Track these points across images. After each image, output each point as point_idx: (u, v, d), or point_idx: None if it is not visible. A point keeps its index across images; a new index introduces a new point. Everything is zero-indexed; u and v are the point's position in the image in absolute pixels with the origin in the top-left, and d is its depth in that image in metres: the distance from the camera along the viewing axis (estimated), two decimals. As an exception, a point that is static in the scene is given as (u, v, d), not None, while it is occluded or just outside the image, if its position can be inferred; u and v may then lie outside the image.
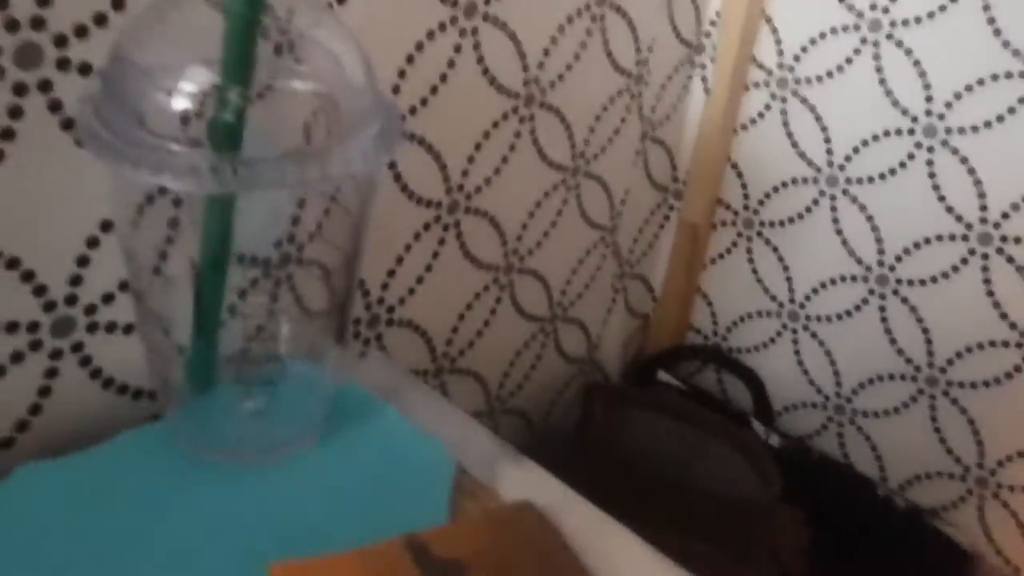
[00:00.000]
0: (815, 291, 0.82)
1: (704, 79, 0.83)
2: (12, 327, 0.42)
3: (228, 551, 0.39)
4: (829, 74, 0.78)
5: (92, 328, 0.45)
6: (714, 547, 0.59)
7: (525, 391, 0.77)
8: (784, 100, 0.81)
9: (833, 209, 0.79)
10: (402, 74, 0.55)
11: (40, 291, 0.43)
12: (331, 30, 0.40)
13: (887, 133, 0.75)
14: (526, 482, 0.47)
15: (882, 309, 0.78)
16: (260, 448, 0.44)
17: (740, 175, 0.85)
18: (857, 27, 0.75)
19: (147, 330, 0.43)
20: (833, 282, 0.80)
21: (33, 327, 0.43)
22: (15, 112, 0.39)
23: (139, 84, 0.35)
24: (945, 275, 0.74)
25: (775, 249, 0.84)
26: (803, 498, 0.73)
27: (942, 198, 0.73)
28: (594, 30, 0.69)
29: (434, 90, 0.58)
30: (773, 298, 0.85)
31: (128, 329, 0.47)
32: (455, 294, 0.67)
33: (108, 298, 0.45)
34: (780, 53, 0.80)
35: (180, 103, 0.35)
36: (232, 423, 0.45)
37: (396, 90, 0.56)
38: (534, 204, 0.71)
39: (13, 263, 0.41)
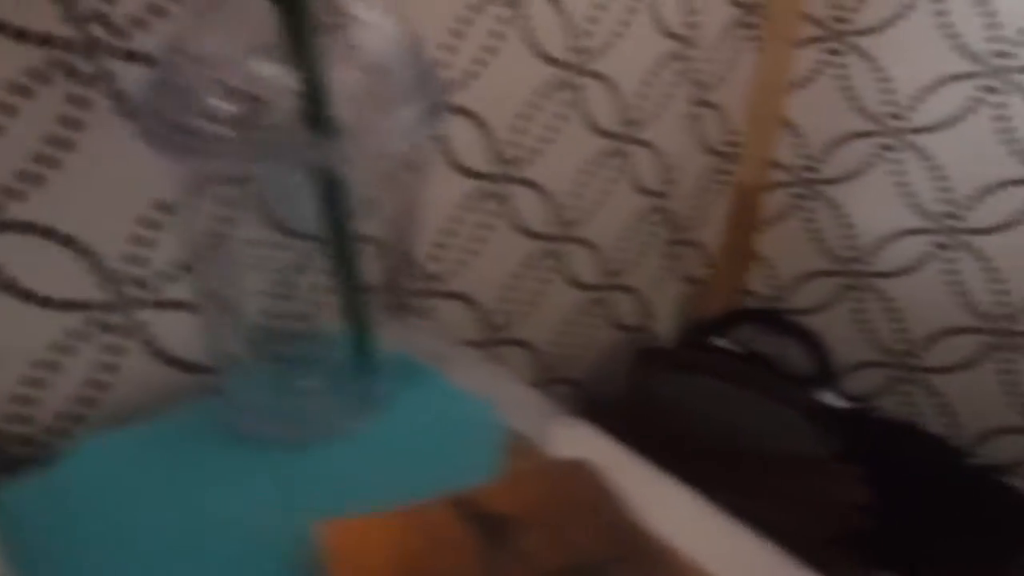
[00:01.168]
0: (877, 246, 0.80)
1: (755, 38, 0.82)
2: (83, 306, 0.44)
3: (283, 515, 0.40)
4: (887, 23, 0.75)
5: (155, 306, 0.47)
6: (768, 504, 0.58)
7: (577, 360, 0.78)
8: (839, 53, 0.79)
9: (896, 162, 0.77)
10: (451, 48, 0.56)
11: (106, 272, 0.45)
12: (377, 8, 0.40)
13: (954, 78, 0.72)
14: (578, 442, 0.48)
15: (950, 261, 0.75)
16: (314, 425, 0.45)
17: (796, 133, 0.83)
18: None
19: (205, 308, 0.44)
20: (896, 236, 0.78)
21: (95, 306, 0.45)
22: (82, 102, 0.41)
23: (195, 72, 0.36)
24: (1019, 221, 0.71)
25: (834, 206, 0.82)
26: (870, 459, 0.72)
27: (1012, 141, 0.70)
28: (639, -6, 0.68)
29: (482, 62, 0.58)
30: (833, 256, 0.83)
31: (187, 306, 0.48)
32: (505, 264, 0.68)
33: (170, 277, 0.47)
34: (834, 6, 0.78)
35: (236, 91, 0.35)
36: (287, 400, 0.46)
37: (445, 64, 0.56)
38: (584, 172, 0.71)
39: (78, 245, 0.43)
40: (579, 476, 0.44)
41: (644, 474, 0.46)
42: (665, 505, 0.44)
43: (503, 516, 0.41)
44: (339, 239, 0.38)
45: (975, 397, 0.76)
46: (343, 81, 0.41)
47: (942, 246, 0.76)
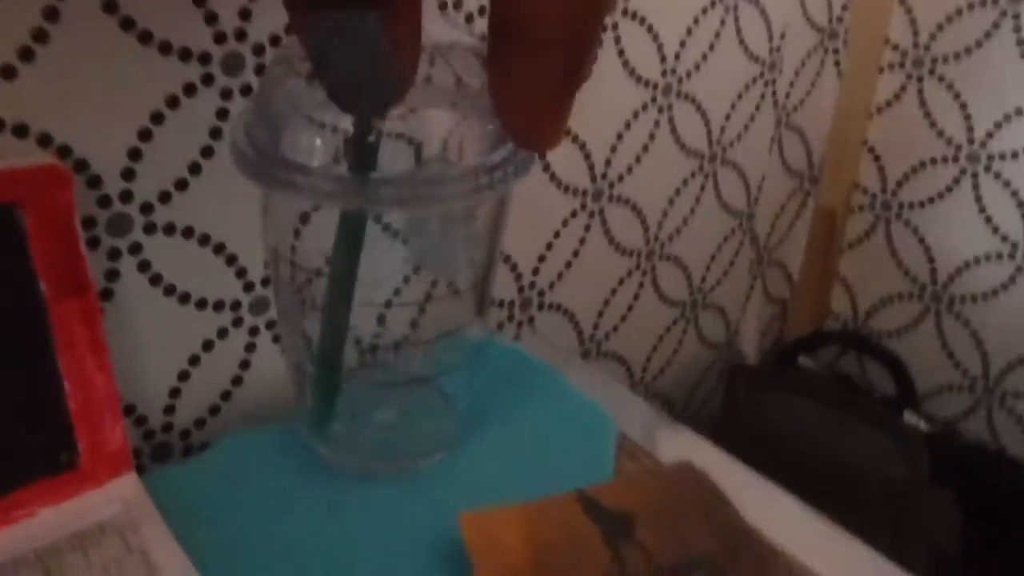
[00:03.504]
0: (958, 271, 0.81)
1: (837, 63, 0.84)
2: (219, 305, 0.48)
3: (422, 515, 0.42)
4: (967, 50, 0.77)
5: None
6: (862, 525, 0.59)
7: (667, 375, 0.80)
8: (920, 80, 0.80)
9: (975, 187, 0.78)
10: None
11: (241, 273, 0.48)
12: (467, 51, 0.37)
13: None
14: (683, 446, 0.50)
15: (1032, 286, 0.77)
16: (391, 460, 0.45)
17: (877, 158, 0.85)
18: (995, 0, 0.74)
19: (287, 340, 0.44)
20: (977, 261, 0.79)
21: (235, 306, 0.48)
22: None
23: (285, 107, 0.35)
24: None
25: (915, 230, 0.83)
26: (953, 482, 0.72)
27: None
28: (727, 20, 0.70)
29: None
30: (914, 280, 0.84)
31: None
32: (601, 279, 0.70)
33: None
34: (915, 33, 0.80)
35: (322, 129, 0.36)
36: (365, 435, 0.45)
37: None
38: (673, 191, 0.73)
39: (219, 247, 0.46)
40: (688, 478, 0.46)
41: (747, 477, 0.48)
42: (770, 509, 0.46)
43: (623, 512, 0.43)
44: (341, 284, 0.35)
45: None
46: (432, 124, 0.42)
47: (1022, 270, 0.77)
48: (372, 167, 0.32)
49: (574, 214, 0.65)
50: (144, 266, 0.44)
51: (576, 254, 0.67)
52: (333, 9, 0.22)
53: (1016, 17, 0.73)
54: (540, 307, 0.66)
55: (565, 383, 0.51)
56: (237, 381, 0.50)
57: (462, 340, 0.44)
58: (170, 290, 0.45)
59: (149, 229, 0.43)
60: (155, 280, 0.44)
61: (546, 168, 0.62)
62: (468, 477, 0.45)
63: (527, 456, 0.47)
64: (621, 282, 0.72)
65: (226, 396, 0.50)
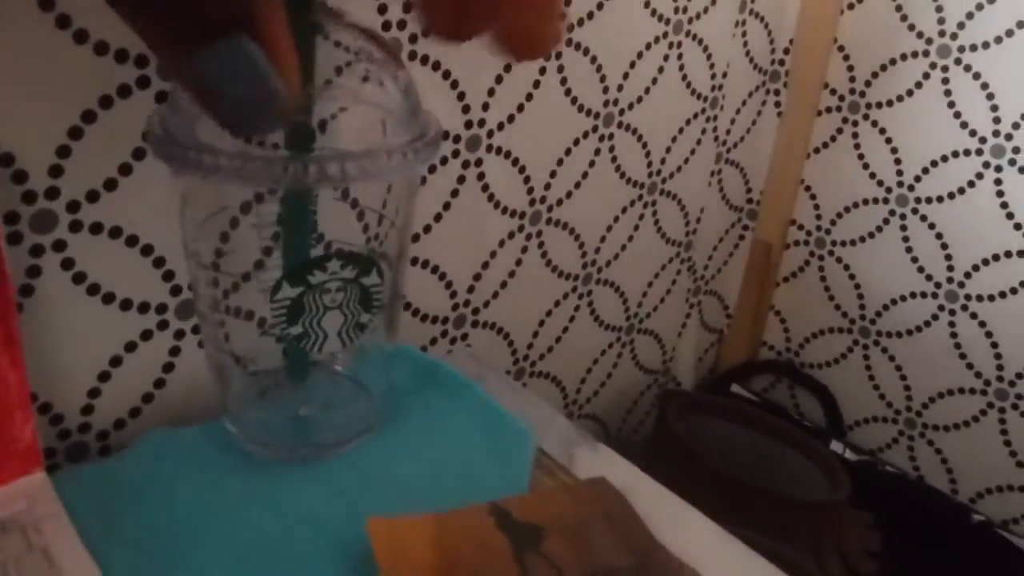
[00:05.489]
0: (886, 307, 0.83)
1: (777, 103, 0.86)
2: (144, 307, 0.48)
3: (331, 517, 0.43)
4: (900, 98, 0.80)
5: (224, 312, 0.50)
6: (782, 543, 0.61)
7: (601, 397, 0.81)
8: (855, 124, 0.83)
9: (903, 228, 0.81)
10: (491, 92, 0.60)
11: (168, 276, 0.48)
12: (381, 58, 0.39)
13: (956, 154, 0.77)
14: (601, 464, 0.51)
15: (952, 324, 0.79)
16: (314, 448, 0.46)
17: (813, 196, 0.87)
18: (926, 53, 0.77)
19: (207, 335, 0.45)
20: (903, 299, 0.82)
21: (161, 308, 0.48)
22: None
23: None
24: (1014, 290, 0.75)
25: (846, 267, 0.86)
26: (875, 510, 0.74)
27: (1011, 215, 0.74)
28: (671, 56, 0.73)
29: (520, 108, 0.63)
30: (844, 314, 0.86)
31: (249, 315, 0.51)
32: (536, 300, 0.71)
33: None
34: (852, 79, 0.83)
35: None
36: (287, 427, 0.47)
37: (485, 107, 0.60)
38: (612, 218, 0.74)
39: (147, 249, 0.47)
40: (601, 493, 0.47)
41: (662, 496, 0.49)
42: (681, 527, 0.47)
43: (533, 525, 0.44)
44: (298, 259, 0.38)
45: (975, 455, 0.79)
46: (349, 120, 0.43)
47: (945, 309, 0.80)
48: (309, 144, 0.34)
49: (512, 235, 0.66)
50: (68, 263, 0.44)
51: (512, 274, 0.68)
52: (203, 46, 0.22)
53: (945, 69, 0.76)
54: (474, 324, 0.67)
55: (487, 397, 0.52)
56: (159, 384, 0.50)
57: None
58: (94, 289, 0.45)
59: (75, 227, 0.43)
60: (79, 278, 0.44)
61: (485, 188, 0.63)
62: (384, 477, 0.45)
63: (444, 463, 0.47)
64: (557, 304, 0.73)
65: (148, 398, 0.50)
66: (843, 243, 0.86)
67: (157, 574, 0.38)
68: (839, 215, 0.86)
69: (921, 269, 0.81)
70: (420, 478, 0.46)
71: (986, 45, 0.74)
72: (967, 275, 0.78)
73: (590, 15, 0.64)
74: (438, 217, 0.60)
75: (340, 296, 0.42)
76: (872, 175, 0.83)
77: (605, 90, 0.68)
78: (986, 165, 0.75)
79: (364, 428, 0.47)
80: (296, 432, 0.46)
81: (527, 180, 0.66)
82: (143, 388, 0.49)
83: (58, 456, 0.47)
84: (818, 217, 0.87)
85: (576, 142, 0.68)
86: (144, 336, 0.48)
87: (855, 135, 0.83)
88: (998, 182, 0.75)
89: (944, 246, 0.79)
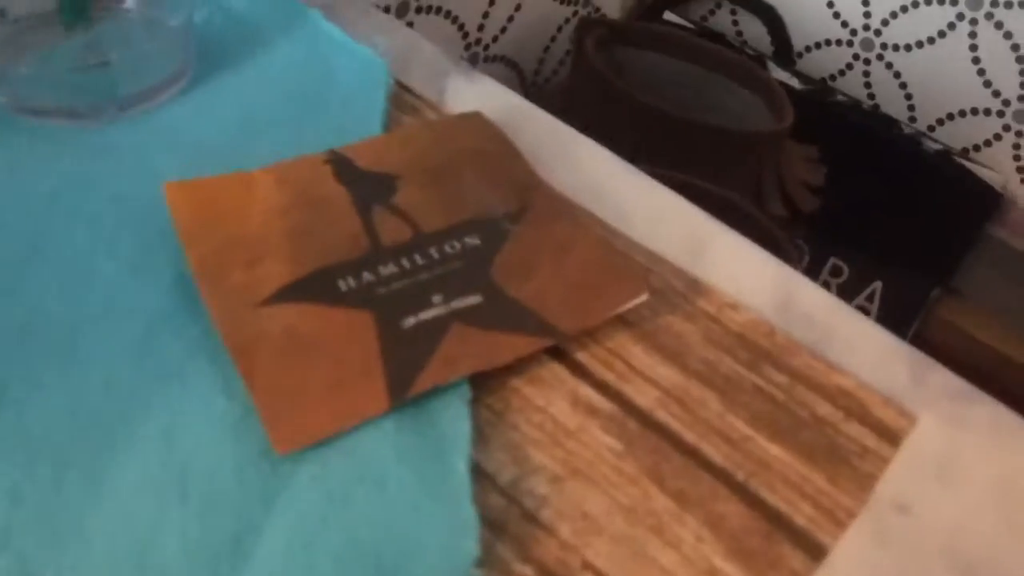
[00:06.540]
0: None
1: None
2: None
3: (134, 183, 0.34)
4: None
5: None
6: (720, 182, 0.53)
7: (510, 34, 0.69)
8: None
9: None
10: None
11: None
12: None
13: None
14: (479, 96, 0.41)
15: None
16: (109, 103, 0.36)
17: None
18: None
19: None
20: None
21: None
22: None
23: None
24: None
25: None
26: (824, 141, 0.66)
27: None
28: None
29: None
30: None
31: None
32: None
33: None
34: None
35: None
36: (67, 84, 0.36)
37: None
38: None
39: None
40: (472, 129, 0.38)
41: (552, 127, 0.40)
42: (575, 162, 0.39)
43: (384, 173, 0.35)
44: None
45: (936, 77, 0.69)
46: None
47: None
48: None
49: None
50: None
51: None
52: None
53: None
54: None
55: (328, 24, 0.41)
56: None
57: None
58: None
59: None
60: None
61: None
62: (196, 137, 0.36)
63: (272, 110, 0.38)
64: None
65: None
66: None
67: None
68: None
69: None
70: (243, 134, 0.36)
71: None
72: None
73: None
74: None
75: None
76: None
77: None
78: None
79: (168, 77, 0.37)
80: (79, 90, 0.35)
81: None
82: None
83: None
84: None
85: None
86: None
87: None
88: None
89: None
